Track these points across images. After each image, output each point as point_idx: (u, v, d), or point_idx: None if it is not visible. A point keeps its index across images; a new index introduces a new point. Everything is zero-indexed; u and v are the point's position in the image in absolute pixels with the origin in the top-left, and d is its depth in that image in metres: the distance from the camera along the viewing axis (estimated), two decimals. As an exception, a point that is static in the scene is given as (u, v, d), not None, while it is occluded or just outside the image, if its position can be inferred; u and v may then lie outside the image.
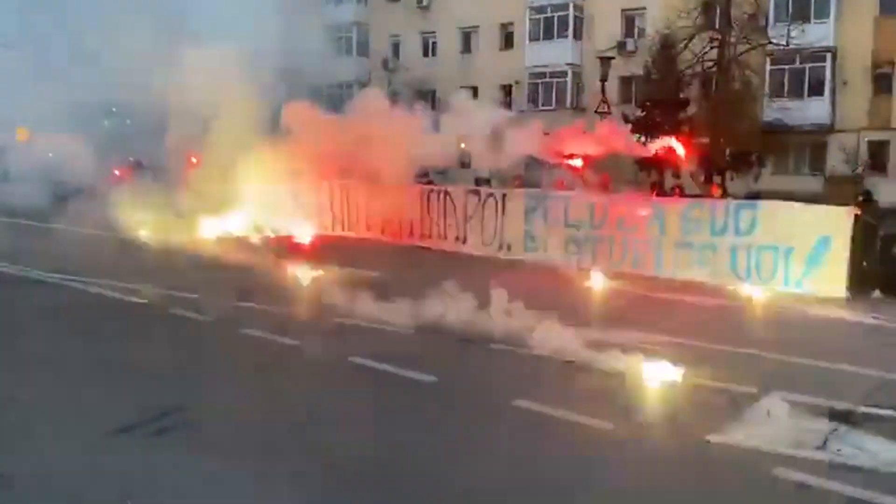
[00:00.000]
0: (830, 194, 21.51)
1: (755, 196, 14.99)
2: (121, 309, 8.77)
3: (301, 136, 14.62)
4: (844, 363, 7.00)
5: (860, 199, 11.76)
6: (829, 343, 8.30)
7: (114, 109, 34.80)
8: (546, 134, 14.60)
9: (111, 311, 8.71)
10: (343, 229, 17.81)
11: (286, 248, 14.27)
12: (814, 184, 25.25)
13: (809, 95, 26.99)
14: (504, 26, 34.62)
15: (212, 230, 15.87)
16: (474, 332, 7.49)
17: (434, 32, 36.71)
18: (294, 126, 14.86)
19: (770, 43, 25.21)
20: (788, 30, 24.21)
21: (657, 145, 19.04)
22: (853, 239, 10.93)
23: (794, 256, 11.30)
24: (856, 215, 10.99)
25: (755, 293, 10.83)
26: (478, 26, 35.26)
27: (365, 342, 7.28)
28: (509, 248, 14.87)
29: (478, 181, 17.91)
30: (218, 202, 15.63)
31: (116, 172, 26.31)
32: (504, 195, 15.28)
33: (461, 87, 32.06)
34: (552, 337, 7.22)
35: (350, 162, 15.05)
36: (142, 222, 14.89)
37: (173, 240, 13.43)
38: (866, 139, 26.42)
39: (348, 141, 14.19)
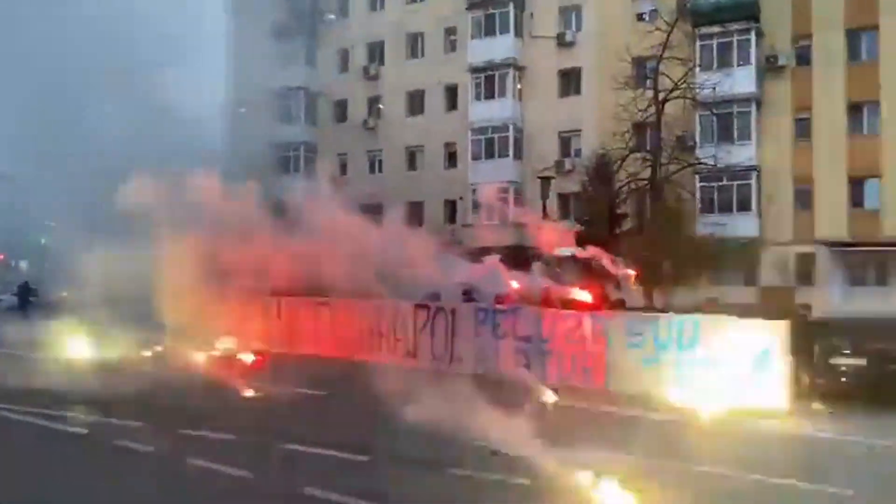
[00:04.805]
0: (765, 304, 22.39)
1: (696, 309, 15.45)
2: (55, 441, 8.32)
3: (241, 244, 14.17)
4: (793, 479, 7.11)
5: (800, 315, 12.28)
6: (778, 458, 8.44)
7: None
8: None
9: (45, 444, 8.25)
10: (290, 346, 17.50)
11: (231, 367, 13.90)
12: (749, 294, 26.28)
13: (738, 211, 28.46)
14: (448, 145, 35.96)
15: (149, 348, 15.34)
16: (430, 456, 7.36)
17: (380, 150, 37.82)
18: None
19: (699, 163, 26.85)
20: (715, 152, 25.92)
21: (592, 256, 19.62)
22: (791, 352, 11.33)
23: (735, 370, 11.58)
24: (794, 330, 11.43)
25: (700, 407, 10.97)
26: (422, 145, 36.53)
27: (317, 471, 7.07)
28: (461, 361, 14.85)
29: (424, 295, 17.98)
30: (156, 318, 15.15)
31: None
32: (453, 310, 15.42)
33: (407, 201, 32.98)
34: (506, 458, 7.17)
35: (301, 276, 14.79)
36: (72, 342, 14.32)
37: (107, 359, 12.93)
38: (794, 252, 27.80)
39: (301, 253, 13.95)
